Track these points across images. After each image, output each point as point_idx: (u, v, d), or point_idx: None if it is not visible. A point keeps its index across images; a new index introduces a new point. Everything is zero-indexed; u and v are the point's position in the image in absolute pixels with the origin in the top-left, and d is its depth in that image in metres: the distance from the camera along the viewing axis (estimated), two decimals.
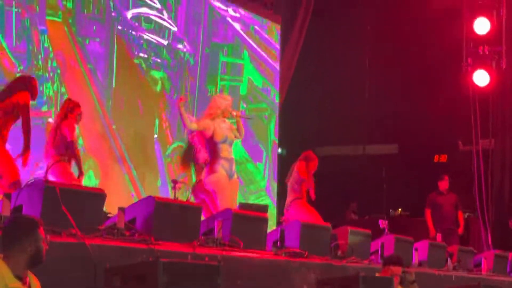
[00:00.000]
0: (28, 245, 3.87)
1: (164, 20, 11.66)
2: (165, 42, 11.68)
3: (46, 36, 9.91)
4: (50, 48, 9.98)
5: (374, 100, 14.91)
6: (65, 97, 9.38)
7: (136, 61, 11.20)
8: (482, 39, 13.47)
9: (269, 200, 13.21)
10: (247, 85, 13.30)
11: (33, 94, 7.88)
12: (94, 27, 10.61)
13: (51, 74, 9.98)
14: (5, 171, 7.44)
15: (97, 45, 10.64)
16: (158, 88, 11.56)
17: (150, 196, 6.36)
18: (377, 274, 6.86)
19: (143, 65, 11.32)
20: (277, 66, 13.83)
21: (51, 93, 9.94)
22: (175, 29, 11.84)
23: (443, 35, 13.76)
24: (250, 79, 13.38)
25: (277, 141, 13.88)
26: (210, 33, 12.58)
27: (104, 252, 5.18)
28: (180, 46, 11.95)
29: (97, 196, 5.86)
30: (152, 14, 11.49)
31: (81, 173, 8.34)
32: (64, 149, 8.12)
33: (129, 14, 11.13)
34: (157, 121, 11.49)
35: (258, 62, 13.49)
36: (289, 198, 9.62)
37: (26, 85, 7.82)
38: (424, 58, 13.94)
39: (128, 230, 5.88)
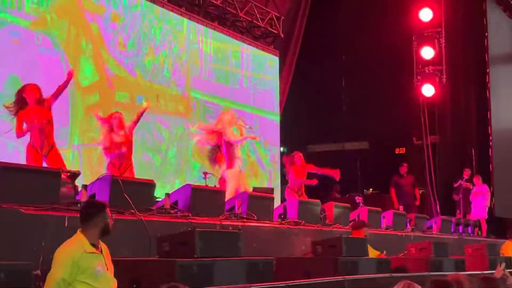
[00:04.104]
0: (99, 221, 3.89)
1: None
2: None
3: None
4: None
5: (351, 107, 14.87)
6: None
7: None
8: (427, 62, 13.62)
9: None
10: None
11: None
12: None
13: None
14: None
15: None
16: None
17: (188, 184, 6.39)
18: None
19: None
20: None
21: None
22: None
23: (400, 58, 13.75)
24: None
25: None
26: None
27: (155, 226, 5.22)
28: None
29: (150, 185, 5.92)
30: None
31: None
32: None
33: None
34: None
35: None
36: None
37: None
38: (386, 76, 13.76)
39: (173, 209, 5.92)
